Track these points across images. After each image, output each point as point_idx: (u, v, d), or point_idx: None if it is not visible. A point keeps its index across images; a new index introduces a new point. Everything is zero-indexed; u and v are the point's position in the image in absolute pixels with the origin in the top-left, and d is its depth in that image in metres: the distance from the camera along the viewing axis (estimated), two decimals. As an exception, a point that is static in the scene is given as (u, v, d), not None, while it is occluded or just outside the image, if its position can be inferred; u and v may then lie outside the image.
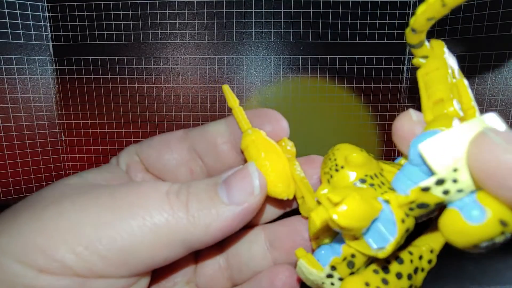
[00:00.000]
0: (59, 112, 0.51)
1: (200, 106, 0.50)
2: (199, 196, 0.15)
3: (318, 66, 0.48)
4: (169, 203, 0.14)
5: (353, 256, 0.14)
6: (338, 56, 0.48)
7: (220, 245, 0.20)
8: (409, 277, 0.14)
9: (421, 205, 0.11)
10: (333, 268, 0.14)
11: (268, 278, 0.18)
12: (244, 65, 0.49)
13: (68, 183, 0.16)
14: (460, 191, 0.10)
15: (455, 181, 0.10)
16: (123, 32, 0.48)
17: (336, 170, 0.14)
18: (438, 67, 0.14)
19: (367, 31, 0.47)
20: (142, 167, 0.19)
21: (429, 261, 0.15)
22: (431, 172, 0.11)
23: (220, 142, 0.18)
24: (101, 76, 0.50)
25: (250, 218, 0.15)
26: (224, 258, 0.19)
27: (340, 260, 0.14)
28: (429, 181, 0.11)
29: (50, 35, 0.49)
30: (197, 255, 0.20)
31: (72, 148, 0.52)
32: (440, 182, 0.10)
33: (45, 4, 0.48)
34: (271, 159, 0.16)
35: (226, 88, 0.19)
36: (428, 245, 0.15)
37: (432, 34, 0.45)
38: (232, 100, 0.18)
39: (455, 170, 0.10)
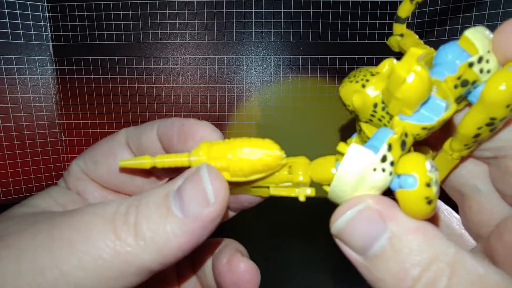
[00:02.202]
0: (59, 112, 0.51)
1: (200, 106, 0.50)
2: (150, 213, 0.13)
3: (318, 66, 0.48)
4: (114, 231, 0.13)
5: (406, 135, 0.14)
6: (338, 56, 0.48)
7: (193, 262, 0.20)
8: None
9: (464, 82, 0.14)
10: (389, 147, 0.13)
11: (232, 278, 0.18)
12: (244, 65, 0.49)
13: (12, 215, 0.15)
14: (488, 71, 0.14)
15: (487, 61, 0.14)
16: (123, 32, 0.48)
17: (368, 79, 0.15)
18: (412, 36, 0.19)
19: (367, 31, 0.47)
20: (95, 185, 0.18)
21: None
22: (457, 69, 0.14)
23: (157, 149, 0.18)
24: (101, 76, 0.50)
25: (212, 229, 0.14)
26: (198, 278, 0.19)
27: (397, 138, 0.13)
28: (473, 58, 0.13)
29: (50, 35, 0.49)
30: (178, 275, 0.20)
31: (72, 148, 0.52)
32: (479, 60, 0.14)
33: (45, 4, 0.48)
34: (237, 142, 0.15)
35: (126, 164, 0.17)
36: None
37: (432, 33, 0.45)
38: (141, 163, 0.16)
39: (488, 51, 0.14)
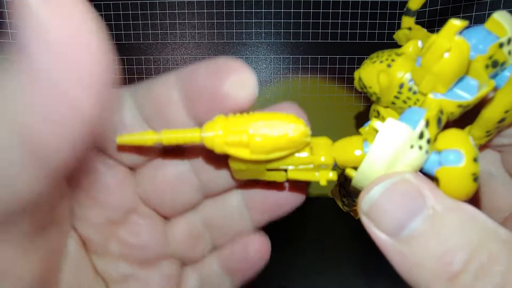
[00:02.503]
0: (59, 112, 0.51)
1: (200, 106, 0.50)
2: None
3: (318, 66, 0.48)
4: None
5: (441, 112, 0.13)
6: (338, 56, 0.48)
7: (196, 208, 0.17)
8: None
9: (494, 63, 0.14)
10: (427, 124, 0.12)
11: (242, 245, 0.17)
12: (244, 65, 0.49)
13: None
14: None
15: None
16: (123, 32, 0.48)
17: (393, 61, 0.15)
18: (421, 30, 0.19)
19: (367, 31, 0.47)
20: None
21: None
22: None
23: (168, 102, 0.14)
24: (101, 76, 0.49)
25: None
26: (199, 220, 0.17)
27: (434, 113, 0.12)
28: (503, 39, 0.14)
29: (50, 35, 0.49)
30: (170, 222, 0.17)
31: (72, 148, 0.52)
32: (509, 41, 0.14)
33: (45, 4, 0.48)
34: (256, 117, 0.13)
35: (126, 140, 0.14)
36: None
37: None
38: (142, 140, 0.14)
39: None
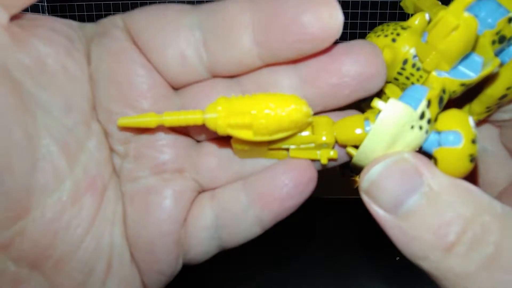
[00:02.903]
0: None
1: (200, 106, 0.50)
2: None
3: (318, 66, 0.48)
4: None
5: (443, 91, 0.13)
6: (338, 56, 0.48)
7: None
8: None
9: (501, 38, 0.13)
10: (428, 104, 0.12)
11: (283, 167, 0.15)
12: (244, 65, 0.49)
13: None
14: None
15: None
16: (123, 32, 0.48)
17: (398, 35, 0.14)
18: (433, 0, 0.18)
19: (367, 31, 0.47)
20: (125, 35, 0.15)
21: None
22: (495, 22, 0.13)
23: (237, 24, 0.13)
24: (101, 76, 0.50)
25: None
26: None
27: (436, 93, 0.12)
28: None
29: (50, 35, 0.49)
30: (200, 144, 0.17)
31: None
32: None
33: (45, 4, 0.48)
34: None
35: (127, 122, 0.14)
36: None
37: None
38: (144, 122, 0.14)
39: None
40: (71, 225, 0.14)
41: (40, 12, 0.48)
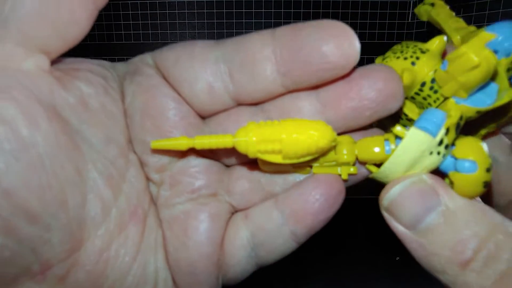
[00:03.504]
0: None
1: (200, 106, 0.50)
2: None
3: (318, 66, 0.48)
4: None
5: (461, 118, 0.13)
6: (338, 56, 0.48)
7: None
8: None
9: None
10: (447, 131, 0.13)
11: (313, 183, 0.15)
12: (244, 65, 0.49)
13: None
14: None
15: None
16: (123, 32, 0.48)
17: (417, 58, 0.15)
18: (444, 8, 0.19)
19: (367, 31, 0.47)
20: (155, 71, 0.16)
21: None
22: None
23: (260, 57, 0.14)
24: (101, 76, 0.50)
25: None
26: (267, 173, 0.17)
27: (454, 121, 0.13)
28: None
29: (50, 35, 0.49)
30: (230, 168, 0.18)
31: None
32: None
33: (45, 4, 0.48)
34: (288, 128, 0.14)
35: (160, 145, 0.15)
36: None
37: (432, 34, 0.45)
38: (177, 144, 0.15)
39: None
40: (120, 253, 0.15)
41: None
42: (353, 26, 0.52)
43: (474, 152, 0.13)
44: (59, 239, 0.13)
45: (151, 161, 0.16)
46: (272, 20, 0.47)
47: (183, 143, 0.14)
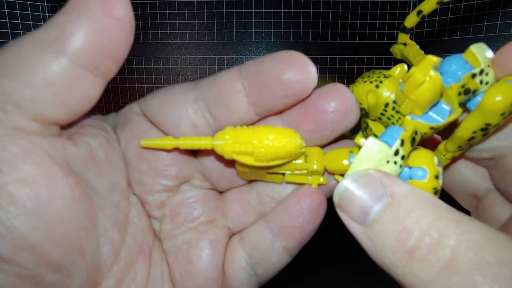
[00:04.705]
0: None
1: (200, 106, 0.50)
2: None
3: (318, 66, 0.48)
4: None
5: (415, 133, 0.15)
6: (338, 56, 0.48)
7: (249, 183, 0.19)
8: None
9: (466, 91, 0.15)
10: (402, 143, 0.14)
11: (294, 199, 0.17)
12: (244, 65, 0.49)
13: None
14: (487, 83, 0.15)
15: (486, 74, 0.15)
16: (123, 32, 0.48)
17: (381, 82, 0.17)
18: (414, 47, 0.22)
19: (367, 31, 0.47)
20: (143, 118, 0.17)
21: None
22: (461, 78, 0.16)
23: (232, 92, 0.16)
24: (101, 76, 0.50)
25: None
26: (255, 194, 0.18)
27: (409, 135, 0.14)
28: (476, 70, 0.15)
29: (50, 35, 0.49)
30: (223, 194, 0.19)
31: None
32: (481, 72, 0.15)
33: (45, 4, 0.48)
34: (261, 135, 0.16)
35: (148, 143, 0.16)
36: None
37: (432, 34, 0.45)
38: (163, 144, 0.16)
39: (488, 66, 0.15)
40: None
41: (40, 12, 0.48)
42: (353, 26, 0.52)
43: (425, 161, 0.14)
44: (79, 283, 0.14)
45: (151, 199, 0.17)
46: (272, 20, 0.47)
47: (169, 143, 0.16)
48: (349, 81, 0.47)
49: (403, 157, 0.14)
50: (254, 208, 0.18)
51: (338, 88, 0.16)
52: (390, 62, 0.47)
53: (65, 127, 0.15)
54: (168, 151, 0.17)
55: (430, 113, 0.15)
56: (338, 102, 0.16)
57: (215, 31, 0.48)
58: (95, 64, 0.14)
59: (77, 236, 0.14)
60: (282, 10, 0.47)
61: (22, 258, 0.12)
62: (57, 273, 0.13)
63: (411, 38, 0.23)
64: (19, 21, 0.46)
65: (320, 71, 0.48)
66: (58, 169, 0.13)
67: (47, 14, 0.48)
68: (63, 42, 0.13)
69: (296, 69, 0.15)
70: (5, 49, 0.13)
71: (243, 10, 0.47)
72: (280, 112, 0.17)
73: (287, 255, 0.17)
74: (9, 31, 0.46)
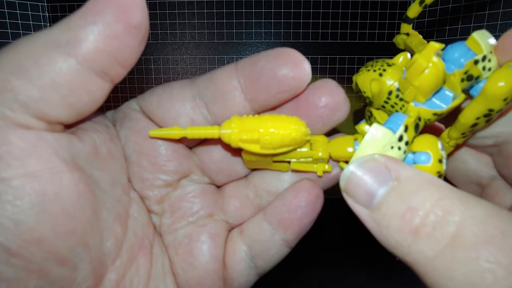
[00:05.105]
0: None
1: (200, 106, 0.50)
2: None
3: (318, 66, 0.48)
4: None
5: (419, 119, 0.15)
6: (338, 56, 0.48)
7: (246, 177, 0.19)
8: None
9: (469, 77, 0.15)
10: (406, 128, 0.14)
11: (292, 192, 0.17)
12: (244, 65, 0.49)
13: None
14: (489, 69, 0.15)
15: (489, 60, 0.15)
16: (123, 32, 0.48)
17: (384, 70, 0.17)
18: (417, 37, 0.22)
19: (367, 31, 0.47)
20: (142, 115, 0.18)
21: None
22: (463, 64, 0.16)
23: (229, 88, 0.16)
24: (101, 76, 0.50)
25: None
26: (253, 188, 0.18)
27: (412, 121, 0.15)
28: (478, 56, 0.15)
29: (50, 35, 0.49)
30: (221, 189, 0.19)
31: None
32: (483, 58, 0.15)
33: (45, 4, 0.48)
34: (267, 123, 0.16)
35: (157, 133, 0.17)
36: None
37: (432, 34, 0.45)
38: (171, 134, 0.16)
39: (490, 52, 0.15)
40: (133, 283, 0.16)
41: (40, 12, 0.48)
42: (353, 26, 0.52)
43: (428, 146, 0.15)
44: (84, 277, 0.14)
45: (152, 194, 0.17)
46: (272, 20, 0.47)
47: (176, 133, 0.16)
48: (349, 81, 0.47)
49: (407, 143, 0.14)
50: (252, 202, 0.18)
51: (328, 84, 0.16)
52: (390, 62, 0.47)
53: (69, 125, 0.15)
54: (175, 141, 0.17)
55: (434, 99, 0.16)
56: (328, 98, 0.16)
57: (215, 31, 0.48)
58: (104, 69, 0.14)
59: (82, 230, 0.14)
60: (282, 10, 0.47)
61: (29, 252, 0.13)
62: (63, 267, 0.13)
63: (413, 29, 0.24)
64: (19, 21, 0.46)
65: (320, 71, 0.48)
66: (64, 164, 0.14)
67: (47, 14, 0.48)
68: (75, 45, 0.13)
69: (291, 66, 0.15)
70: (16, 46, 0.13)
71: (243, 10, 0.47)
72: (275, 107, 0.17)
73: (286, 247, 0.18)
74: (9, 31, 0.46)
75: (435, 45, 0.14)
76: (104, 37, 0.13)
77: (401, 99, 0.16)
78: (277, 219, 0.17)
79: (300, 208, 0.17)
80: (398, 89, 0.16)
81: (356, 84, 0.18)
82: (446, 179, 0.19)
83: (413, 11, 0.22)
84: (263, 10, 0.47)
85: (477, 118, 0.16)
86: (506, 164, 0.17)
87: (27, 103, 0.13)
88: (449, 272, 0.11)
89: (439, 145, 0.15)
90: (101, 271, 0.15)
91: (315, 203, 0.17)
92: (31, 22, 0.47)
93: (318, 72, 0.48)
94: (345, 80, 0.47)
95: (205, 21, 0.47)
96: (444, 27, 0.44)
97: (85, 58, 0.13)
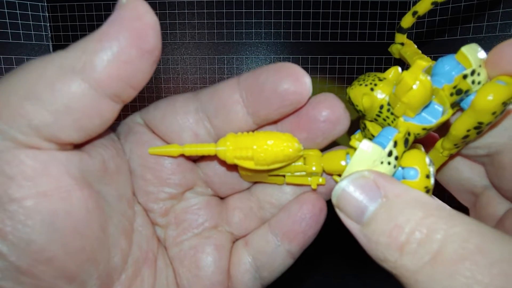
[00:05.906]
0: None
1: (200, 106, 0.50)
2: None
3: (318, 66, 0.48)
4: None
5: (408, 134, 0.15)
6: (338, 56, 0.48)
7: (249, 189, 0.19)
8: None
9: (458, 91, 0.16)
10: (395, 144, 0.15)
11: (297, 205, 0.18)
12: (244, 65, 0.49)
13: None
14: (479, 83, 0.16)
15: (478, 74, 0.16)
16: (123, 32, 0.48)
17: (376, 85, 0.17)
18: (412, 46, 0.23)
19: (367, 31, 0.47)
20: (146, 129, 0.18)
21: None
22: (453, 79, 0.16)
23: (231, 102, 0.16)
24: (101, 76, 0.49)
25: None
26: (256, 200, 0.19)
27: (401, 136, 0.15)
28: (467, 71, 0.15)
29: (50, 35, 0.49)
30: (224, 200, 0.19)
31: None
32: (472, 72, 0.16)
33: (45, 4, 0.48)
34: (261, 139, 0.16)
35: (157, 151, 0.17)
36: None
37: (432, 34, 0.45)
38: (169, 151, 0.16)
39: (479, 66, 0.16)
40: None
41: (40, 12, 0.48)
42: (353, 26, 0.52)
43: (416, 161, 0.15)
44: None
45: (156, 207, 0.17)
46: (272, 20, 0.47)
47: (175, 150, 0.16)
48: (349, 81, 0.47)
49: (396, 158, 0.15)
50: (255, 214, 0.19)
51: (328, 98, 0.17)
52: (390, 62, 0.47)
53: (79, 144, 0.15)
54: (174, 157, 0.17)
55: (423, 113, 0.16)
56: (329, 112, 0.16)
57: (215, 31, 0.48)
58: (117, 93, 0.14)
59: (91, 246, 0.14)
60: (282, 10, 0.47)
61: (39, 270, 0.13)
62: (72, 284, 0.14)
63: (411, 37, 0.23)
64: (19, 21, 0.46)
65: (320, 71, 0.48)
66: (74, 182, 0.14)
67: (47, 14, 0.48)
68: (90, 71, 0.13)
69: (292, 81, 0.15)
70: (29, 69, 0.13)
71: (243, 10, 0.47)
72: (276, 121, 0.17)
73: (290, 258, 0.18)
74: (9, 31, 0.46)
75: (422, 63, 0.14)
76: (118, 62, 0.13)
77: (392, 113, 0.16)
78: (282, 231, 0.18)
79: (305, 220, 0.17)
80: (389, 103, 0.16)
81: (349, 98, 0.19)
82: (442, 188, 0.19)
83: (407, 21, 0.22)
84: (263, 10, 0.47)
85: (468, 130, 0.16)
86: (497, 174, 0.18)
87: (39, 128, 0.13)
88: (431, 285, 0.11)
89: (427, 160, 0.15)
90: (108, 285, 0.15)
91: (319, 216, 0.18)
92: (31, 22, 0.47)
93: (318, 72, 0.48)
94: (345, 80, 0.47)
95: (205, 21, 0.47)
96: (444, 27, 0.44)
97: (99, 83, 0.13)
